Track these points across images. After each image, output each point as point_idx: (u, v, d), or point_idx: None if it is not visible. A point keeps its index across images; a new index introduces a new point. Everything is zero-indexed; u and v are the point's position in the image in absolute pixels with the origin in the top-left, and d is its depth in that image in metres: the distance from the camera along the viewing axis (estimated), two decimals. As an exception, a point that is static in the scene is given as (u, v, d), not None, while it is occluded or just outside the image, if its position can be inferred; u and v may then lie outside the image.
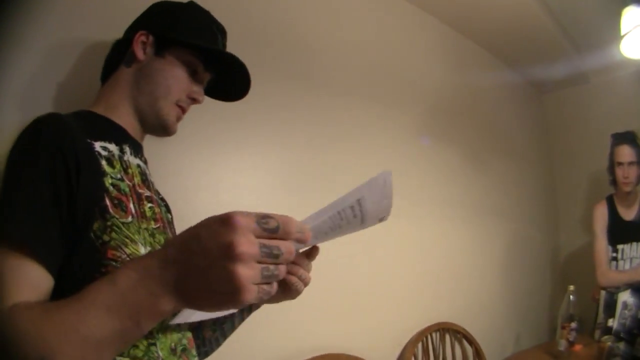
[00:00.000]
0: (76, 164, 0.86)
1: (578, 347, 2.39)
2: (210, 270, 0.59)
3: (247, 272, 0.58)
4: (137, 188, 1.04)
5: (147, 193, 1.08)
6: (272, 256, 0.60)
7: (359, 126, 2.25)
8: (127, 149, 1.07)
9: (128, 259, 0.88)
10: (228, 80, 1.26)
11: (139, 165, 1.10)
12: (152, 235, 1.01)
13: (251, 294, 0.58)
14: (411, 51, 2.67)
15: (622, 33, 1.73)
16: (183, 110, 1.17)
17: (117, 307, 0.63)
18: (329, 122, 2.11)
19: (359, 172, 2.17)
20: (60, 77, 1.30)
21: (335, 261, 1.99)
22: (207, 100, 1.25)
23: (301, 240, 0.64)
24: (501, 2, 2.70)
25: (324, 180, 2.03)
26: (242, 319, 1.17)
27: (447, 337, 2.51)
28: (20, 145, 0.89)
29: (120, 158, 1.02)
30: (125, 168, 1.02)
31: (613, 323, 2.17)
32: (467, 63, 3.14)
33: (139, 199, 1.02)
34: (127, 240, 0.91)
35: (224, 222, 0.59)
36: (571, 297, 2.41)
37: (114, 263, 0.86)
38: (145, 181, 1.11)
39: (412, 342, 2.33)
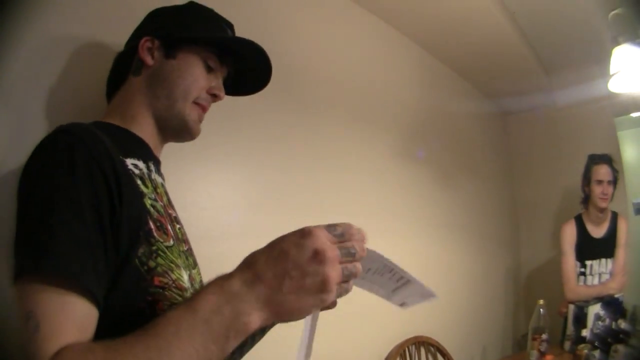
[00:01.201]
0: (117, 183, 0.79)
1: (549, 358, 2.50)
2: (306, 277, 0.64)
3: (335, 273, 0.65)
4: (167, 208, 0.99)
5: (174, 213, 1.05)
6: (349, 254, 0.68)
7: (338, 146, 2.29)
8: (152, 167, 1.01)
9: (174, 285, 0.85)
10: (246, 72, 1.21)
11: (162, 184, 1.06)
12: (187, 257, 0.98)
13: (334, 292, 0.65)
14: (389, 73, 2.74)
15: (611, 72, 1.80)
16: (203, 109, 1.10)
17: (202, 334, 0.63)
18: (309, 141, 2.13)
19: (337, 190, 2.23)
20: (52, 77, 1.21)
21: None
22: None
23: (361, 240, 0.71)
24: (476, 29, 2.81)
25: (305, 198, 2.06)
26: (263, 334, 1.12)
27: (423, 350, 2.57)
28: (49, 160, 0.78)
29: (149, 176, 0.97)
30: (155, 187, 0.97)
31: (587, 333, 2.28)
32: (439, 84, 3.26)
33: (170, 220, 0.97)
34: (172, 265, 0.87)
35: (306, 236, 0.65)
36: (541, 310, 2.52)
37: (160, 290, 0.82)
38: (170, 201, 1.07)
39: (392, 356, 2.37)
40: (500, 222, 3.84)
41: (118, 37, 1.17)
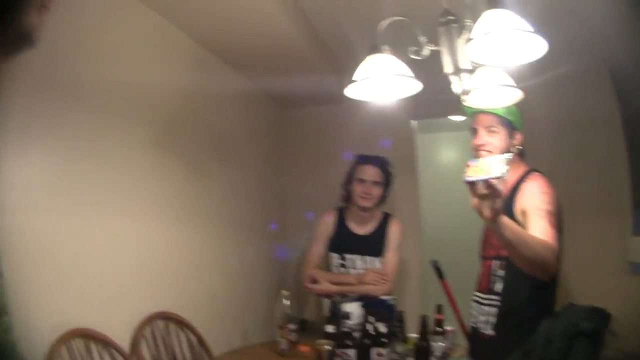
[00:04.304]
0: None
1: (304, 348, 2.57)
2: None
3: None
4: None
5: None
6: None
7: (98, 141, 2.22)
8: None
9: None
10: None
11: None
12: None
13: None
14: (150, 61, 2.62)
15: (355, 78, 1.76)
16: None
17: None
18: (69, 138, 2.06)
19: (98, 183, 2.21)
20: None
21: (80, 249, 2.06)
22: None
23: None
24: (253, 22, 2.79)
25: (66, 196, 2.04)
26: None
27: (171, 326, 2.55)
28: None
29: None
30: None
31: (332, 329, 2.34)
32: (209, 77, 3.22)
33: None
34: None
35: None
36: (284, 300, 2.62)
37: None
38: None
39: (141, 327, 2.34)
40: (266, 213, 4.00)
41: None
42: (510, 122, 2.14)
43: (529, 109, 3.57)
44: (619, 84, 3.86)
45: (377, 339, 2.21)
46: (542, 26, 3.04)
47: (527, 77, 3.26)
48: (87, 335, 1.97)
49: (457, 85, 1.72)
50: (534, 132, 3.72)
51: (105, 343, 2.05)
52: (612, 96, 3.87)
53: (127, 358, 2.14)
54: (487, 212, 1.51)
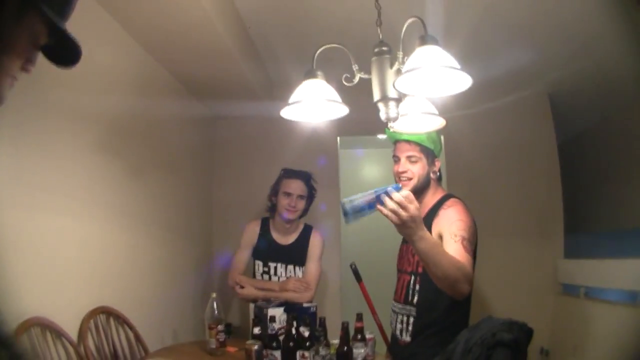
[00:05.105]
0: None
1: (233, 349, 2.62)
2: None
3: None
4: None
5: None
6: None
7: (46, 138, 2.20)
8: None
9: None
10: None
11: None
12: None
13: None
14: (104, 72, 2.65)
15: (292, 100, 1.84)
16: None
17: None
18: (25, 134, 2.04)
19: (49, 181, 2.21)
20: None
21: (27, 242, 2.03)
22: None
23: None
24: (199, 38, 2.93)
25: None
26: None
27: (112, 320, 2.60)
28: None
29: None
30: None
31: (258, 331, 2.44)
32: (152, 85, 3.31)
33: None
34: None
35: None
36: (215, 303, 2.66)
37: None
38: None
39: (86, 319, 2.38)
40: (196, 218, 4.16)
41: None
42: (431, 150, 2.25)
43: (467, 136, 3.82)
44: (558, 110, 4.04)
45: (300, 343, 2.29)
46: (488, 58, 3.23)
47: (470, 105, 3.47)
48: (43, 324, 2.01)
49: (384, 112, 1.78)
50: (472, 159, 3.97)
51: (57, 332, 2.09)
52: (549, 123, 4.05)
53: (75, 347, 2.18)
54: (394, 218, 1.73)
